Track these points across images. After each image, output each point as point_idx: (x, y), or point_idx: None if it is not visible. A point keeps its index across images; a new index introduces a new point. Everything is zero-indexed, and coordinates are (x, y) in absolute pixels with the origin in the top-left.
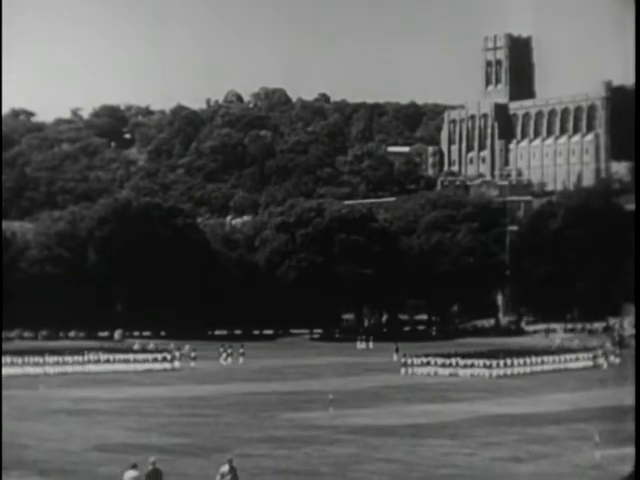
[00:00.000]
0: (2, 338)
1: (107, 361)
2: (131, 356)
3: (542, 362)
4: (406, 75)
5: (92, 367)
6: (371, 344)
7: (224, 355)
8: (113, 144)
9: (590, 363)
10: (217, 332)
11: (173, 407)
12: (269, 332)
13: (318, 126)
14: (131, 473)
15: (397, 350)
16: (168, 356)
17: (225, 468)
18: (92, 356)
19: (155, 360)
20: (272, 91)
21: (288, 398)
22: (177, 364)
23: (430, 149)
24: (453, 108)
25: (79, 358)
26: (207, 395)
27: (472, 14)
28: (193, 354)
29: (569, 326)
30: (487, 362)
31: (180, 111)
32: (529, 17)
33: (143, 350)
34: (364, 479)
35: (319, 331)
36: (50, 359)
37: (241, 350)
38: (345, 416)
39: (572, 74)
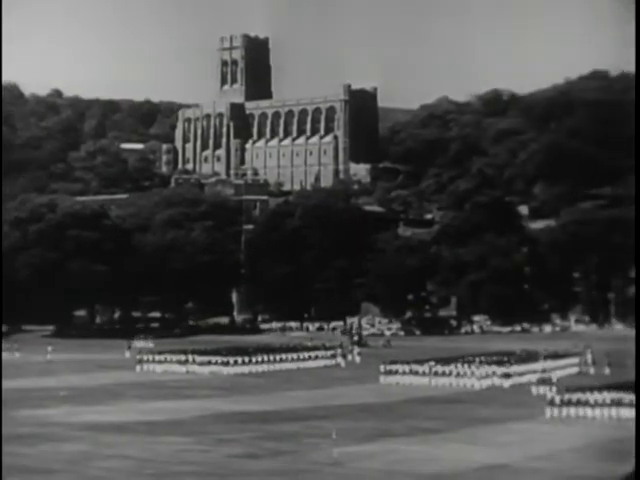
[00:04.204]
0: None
1: None
2: None
3: (280, 360)
4: (141, 72)
5: None
6: (151, 342)
7: None
8: None
9: (328, 361)
10: None
11: None
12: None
13: (51, 121)
14: None
15: (129, 347)
16: None
17: None
18: None
19: None
20: (4, 85)
21: (22, 395)
22: None
23: (164, 147)
24: (188, 106)
25: None
26: None
27: (209, 13)
28: None
29: (306, 325)
30: (224, 359)
31: None
32: (270, 18)
33: None
34: (97, 476)
35: (51, 327)
36: None
37: (16, 345)
38: (79, 413)
39: (313, 76)
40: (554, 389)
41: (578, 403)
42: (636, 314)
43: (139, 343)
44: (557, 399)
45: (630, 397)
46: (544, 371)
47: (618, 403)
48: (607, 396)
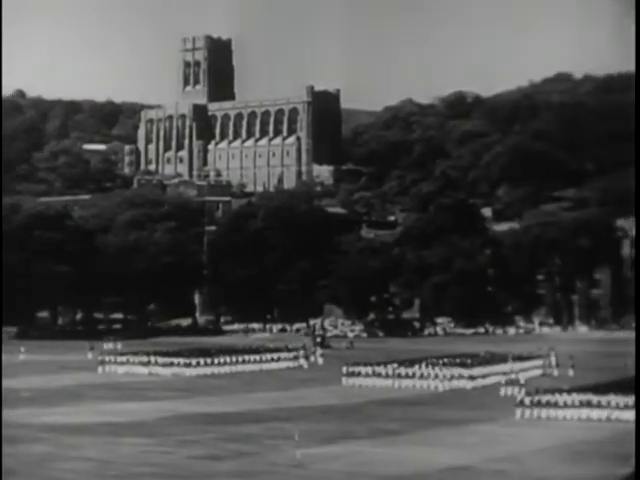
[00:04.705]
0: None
1: None
2: None
3: (242, 361)
4: (105, 73)
5: None
6: (119, 344)
7: None
8: None
9: (291, 363)
10: None
11: None
12: None
13: (16, 122)
14: None
15: (92, 348)
16: None
17: None
18: None
19: None
20: None
21: None
22: None
23: (127, 148)
24: (151, 107)
25: None
26: None
27: (172, 13)
28: None
29: (269, 326)
30: (186, 361)
31: None
32: (232, 19)
33: None
34: (59, 478)
35: (13, 329)
36: None
37: None
38: (41, 414)
39: (275, 77)
40: (523, 390)
41: (547, 404)
42: (636, 314)
43: (107, 345)
44: (527, 400)
45: (598, 399)
46: (511, 373)
47: (587, 405)
48: (576, 398)
